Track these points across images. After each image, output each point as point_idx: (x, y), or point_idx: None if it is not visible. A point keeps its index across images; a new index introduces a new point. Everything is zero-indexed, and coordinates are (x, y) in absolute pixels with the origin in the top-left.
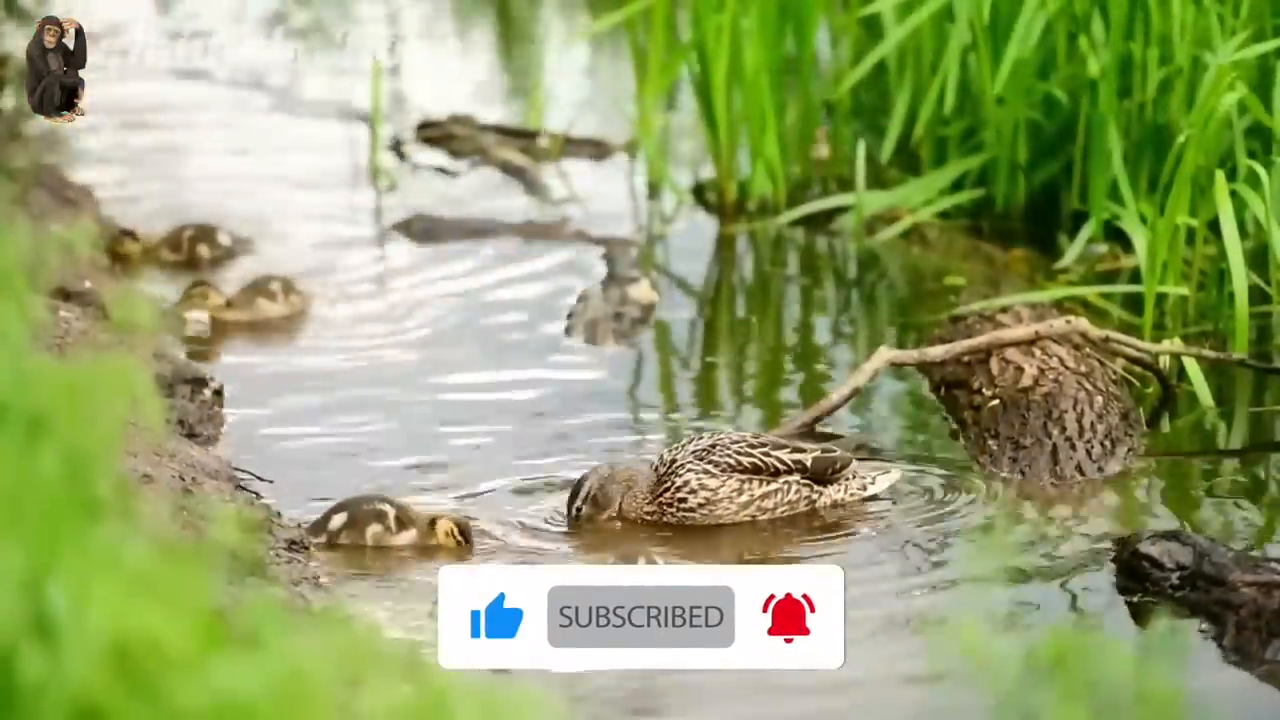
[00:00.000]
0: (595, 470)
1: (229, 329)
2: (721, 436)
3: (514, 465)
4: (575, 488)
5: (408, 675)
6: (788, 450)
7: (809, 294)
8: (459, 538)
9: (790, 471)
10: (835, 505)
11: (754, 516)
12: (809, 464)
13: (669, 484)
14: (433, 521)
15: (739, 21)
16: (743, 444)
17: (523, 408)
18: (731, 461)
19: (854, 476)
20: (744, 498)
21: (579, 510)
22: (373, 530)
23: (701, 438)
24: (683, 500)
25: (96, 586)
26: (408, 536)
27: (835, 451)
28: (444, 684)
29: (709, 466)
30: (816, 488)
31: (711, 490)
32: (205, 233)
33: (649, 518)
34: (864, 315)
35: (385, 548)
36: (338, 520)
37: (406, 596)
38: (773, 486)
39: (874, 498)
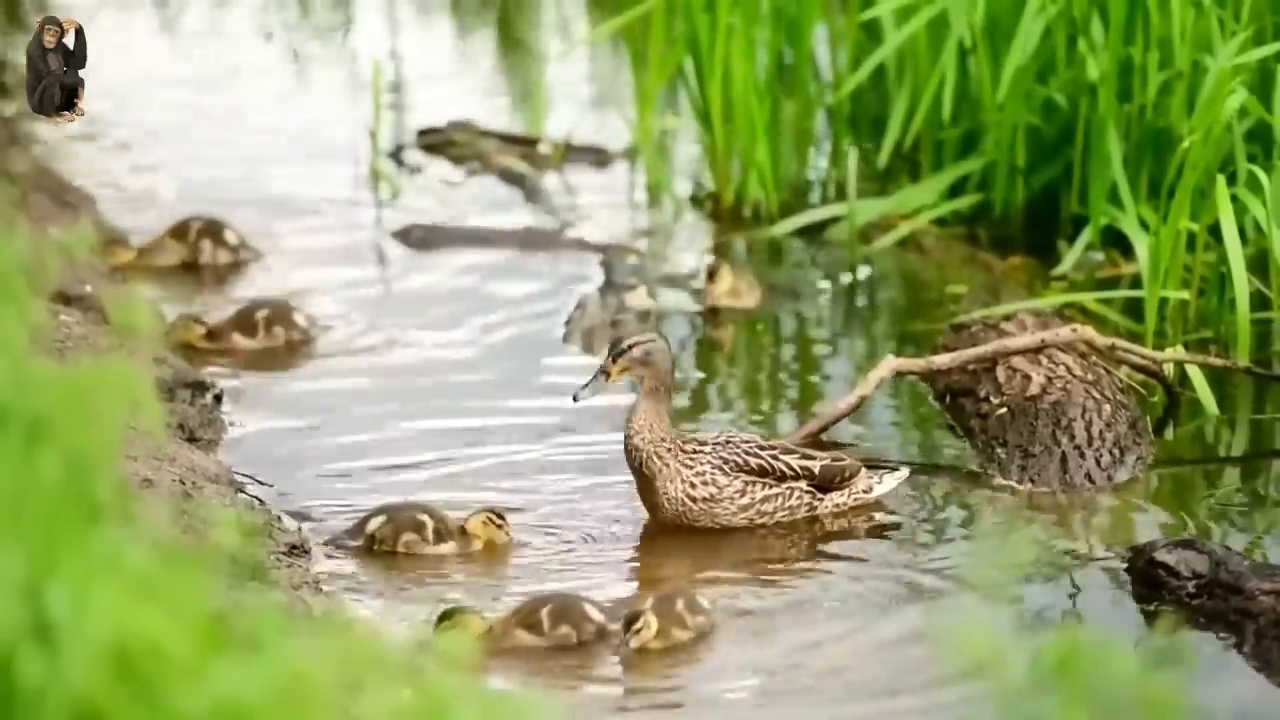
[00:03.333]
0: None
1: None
2: (734, 435)
3: (507, 471)
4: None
5: (408, 679)
6: (797, 456)
7: (807, 301)
8: (497, 523)
9: (797, 478)
10: (836, 508)
11: (751, 520)
12: (816, 471)
13: (690, 466)
14: (463, 530)
15: (730, 27)
16: (752, 444)
17: (517, 415)
18: (740, 460)
19: (859, 479)
20: (745, 499)
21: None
22: (407, 538)
23: (719, 434)
24: (692, 487)
25: (97, 590)
26: (445, 549)
27: (845, 460)
28: (444, 688)
29: (720, 462)
30: (819, 495)
31: (719, 487)
32: (212, 227)
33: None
34: (862, 324)
35: (417, 555)
36: (375, 523)
37: (410, 601)
38: (775, 491)
39: (878, 503)
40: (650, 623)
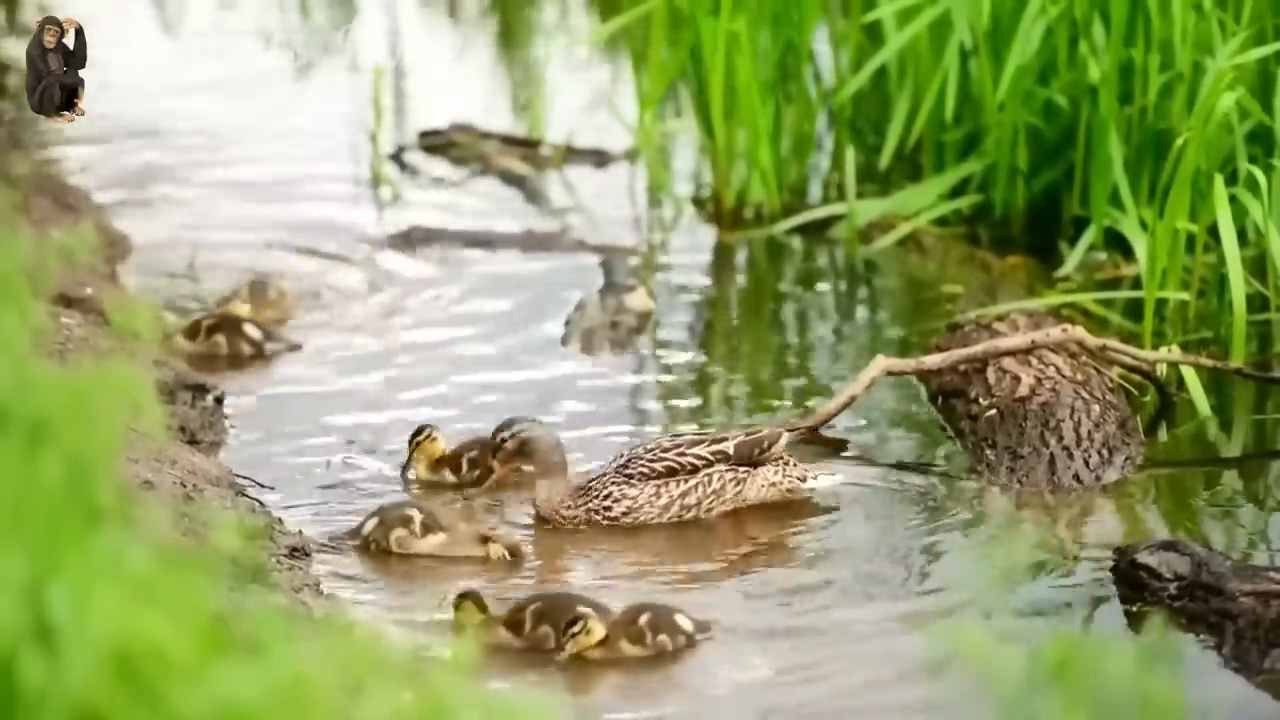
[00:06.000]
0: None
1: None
2: (637, 448)
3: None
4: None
5: (409, 681)
6: (705, 444)
7: (806, 302)
8: (509, 557)
9: (710, 464)
10: (770, 486)
11: (679, 515)
12: (731, 451)
13: (595, 492)
14: (485, 539)
15: (733, 29)
16: (655, 450)
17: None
18: (646, 470)
19: (794, 464)
20: (663, 500)
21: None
22: (397, 535)
23: (622, 455)
24: (608, 509)
25: (98, 593)
26: (434, 542)
27: (761, 431)
28: (445, 690)
29: (627, 476)
30: (743, 472)
31: (631, 499)
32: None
33: (571, 523)
34: (860, 323)
35: (410, 554)
36: (370, 525)
37: (412, 600)
38: (691, 483)
39: (869, 503)
40: (593, 629)
